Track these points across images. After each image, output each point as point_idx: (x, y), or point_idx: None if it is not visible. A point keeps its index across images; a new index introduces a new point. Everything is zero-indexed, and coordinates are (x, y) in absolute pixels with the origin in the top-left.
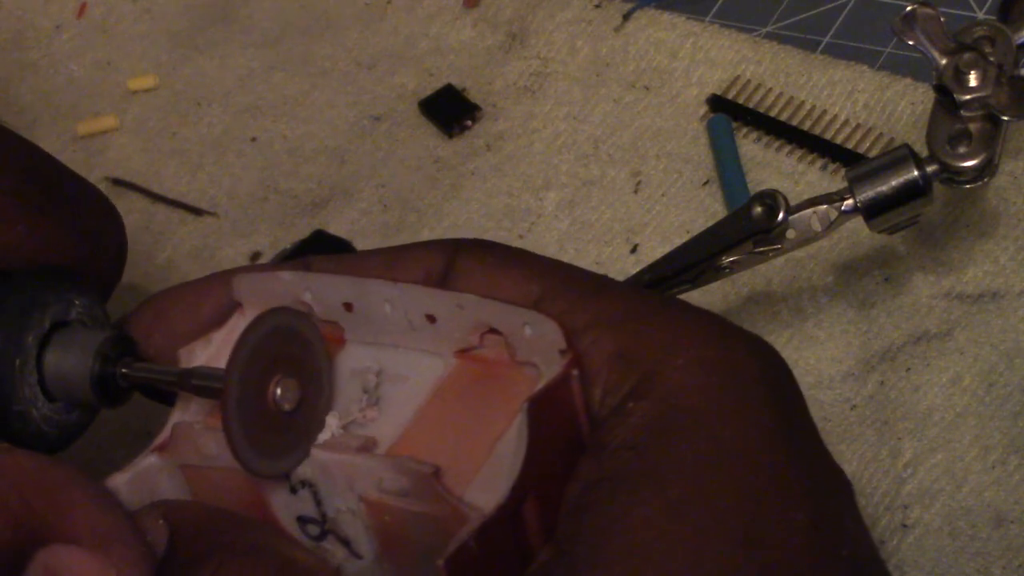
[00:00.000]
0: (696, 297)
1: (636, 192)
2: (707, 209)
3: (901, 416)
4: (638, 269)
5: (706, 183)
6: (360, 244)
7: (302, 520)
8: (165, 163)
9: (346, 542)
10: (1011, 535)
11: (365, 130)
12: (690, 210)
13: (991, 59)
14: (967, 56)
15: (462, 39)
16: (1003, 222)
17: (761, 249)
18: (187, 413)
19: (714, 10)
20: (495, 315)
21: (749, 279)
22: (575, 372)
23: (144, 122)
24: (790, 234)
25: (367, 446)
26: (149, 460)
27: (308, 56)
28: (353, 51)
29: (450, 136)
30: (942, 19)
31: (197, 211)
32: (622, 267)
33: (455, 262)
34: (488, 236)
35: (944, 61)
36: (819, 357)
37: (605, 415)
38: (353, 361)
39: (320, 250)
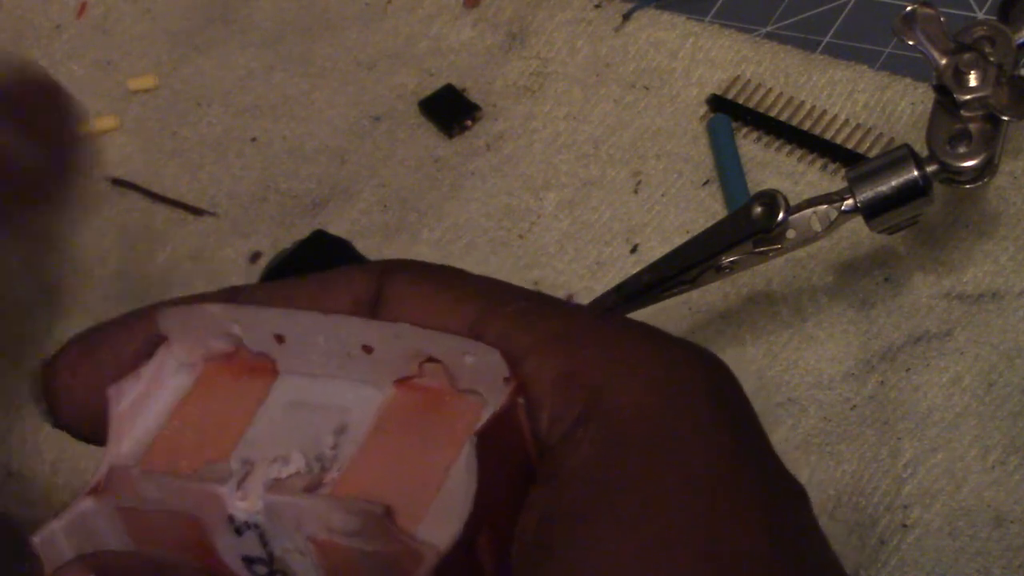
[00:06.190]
0: (696, 297)
1: (636, 192)
2: (707, 209)
3: (901, 416)
4: (638, 269)
5: (706, 183)
6: (360, 244)
7: (248, 560)
8: (165, 163)
9: None
10: (1011, 535)
11: (365, 130)
12: (690, 210)
13: (991, 59)
14: (967, 56)
15: (462, 39)
16: (1003, 222)
17: (761, 249)
18: (120, 454)
19: (714, 10)
20: (434, 345)
21: (749, 279)
22: (521, 400)
23: (144, 122)
24: (790, 234)
25: (312, 486)
26: (85, 504)
27: (308, 56)
28: (353, 51)
29: (450, 136)
30: (942, 19)
31: (197, 211)
32: (622, 267)
33: (384, 287)
34: (488, 236)
35: (944, 61)
36: (819, 357)
37: (554, 441)
38: (288, 394)
39: (320, 250)
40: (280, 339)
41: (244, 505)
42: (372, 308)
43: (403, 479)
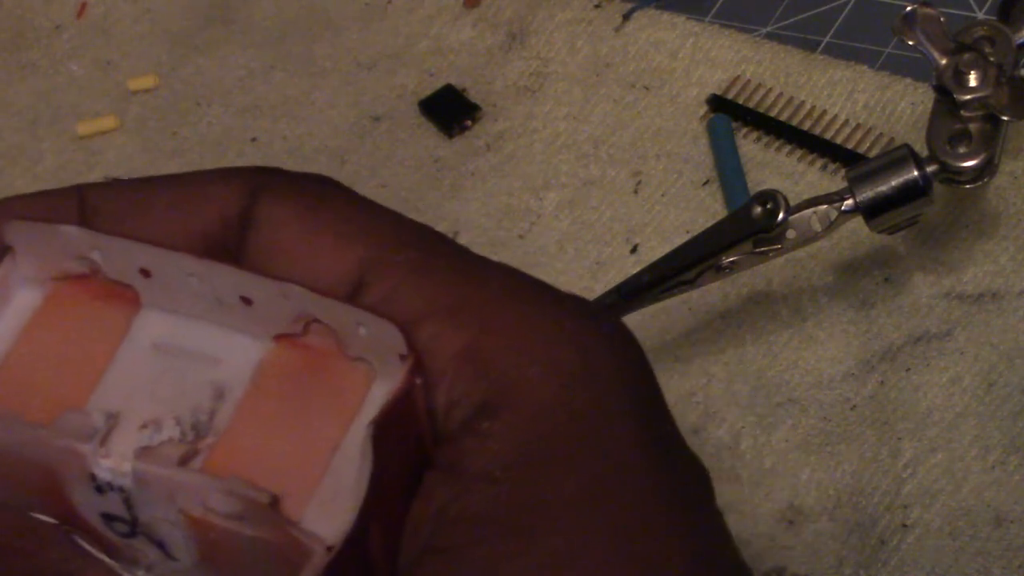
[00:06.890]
0: (696, 297)
1: (636, 192)
2: (707, 209)
3: (901, 416)
4: (638, 269)
5: (706, 183)
6: None
7: (108, 517)
8: (165, 163)
9: (160, 544)
10: (1011, 535)
11: (365, 130)
12: (690, 210)
13: (991, 59)
14: (967, 56)
15: (462, 39)
16: (1003, 222)
17: (761, 249)
18: None
19: (714, 10)
20: (325, 311)
21: (749, 279)
22: (418, 380)
23: (144, 122)
24: (790, 234)
25: (187, 456)
26: None
27: (308, 56)
28: (353, 51)
29: (450, 136)
30: (942, 19)
31: None
32: (622, 267)
33: (258, 205)
34: (488, 236)
35: (944, 61)
36: (819, 357)
37: (454, 428)
38: (153, 333)
39: None
40: (146, 273)
41: (107, 464)
42: (241, 228)
43: (286, 453)
